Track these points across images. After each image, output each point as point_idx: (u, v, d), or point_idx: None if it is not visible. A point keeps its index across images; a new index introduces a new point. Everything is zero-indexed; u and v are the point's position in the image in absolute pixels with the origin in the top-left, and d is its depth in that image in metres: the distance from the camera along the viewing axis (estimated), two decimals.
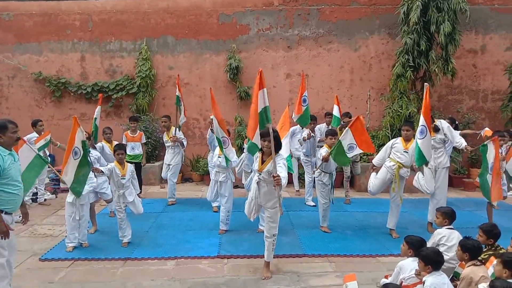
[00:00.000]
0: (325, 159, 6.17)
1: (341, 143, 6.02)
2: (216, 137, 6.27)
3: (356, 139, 5.99)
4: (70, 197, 5.72)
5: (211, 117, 7.17)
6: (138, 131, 8.65)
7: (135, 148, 8.33)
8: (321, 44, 10.61)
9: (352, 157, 6.44)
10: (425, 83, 6.09)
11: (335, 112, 8.21)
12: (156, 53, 10.71)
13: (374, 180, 6.46)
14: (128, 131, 8.51)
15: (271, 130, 4.56)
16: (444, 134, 6.48)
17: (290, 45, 10.63)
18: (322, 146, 6.77)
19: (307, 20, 10.56)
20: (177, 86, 8.41)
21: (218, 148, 6.53)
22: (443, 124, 6.54)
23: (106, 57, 10.75)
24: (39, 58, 10.71)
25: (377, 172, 6.47)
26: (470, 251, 3.79)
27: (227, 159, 6.32)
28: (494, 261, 3.75)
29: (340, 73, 10.67)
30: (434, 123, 6.51)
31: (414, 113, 9.38)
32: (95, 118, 7.56)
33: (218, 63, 10.67)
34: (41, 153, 6.01)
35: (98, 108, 7.49)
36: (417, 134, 5.82)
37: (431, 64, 9.44)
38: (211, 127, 7.27)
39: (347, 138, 6.01)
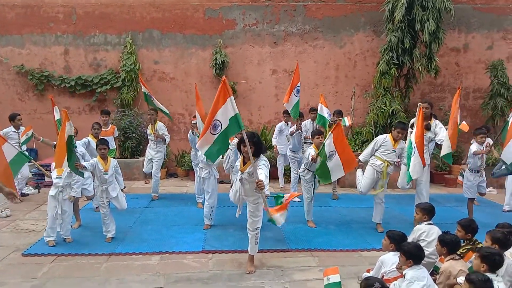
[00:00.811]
0: (314, 160, 6.18)
1: (324, 146, 5.93)
2: (198, 136, 6.21)
3: (337, 147, 5.83)
4: (53, 190, 5.69)
5: (193, 122, 7.20)
6: (110, 124, 8.48)
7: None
8: (307, 41, 10.66)
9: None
10: (419, 103, 6.11)
11: (322, 111, 8.00)
12: (141, 47, 10.62)
13: (362, 180, 6.51)
14: (101, 125, 8.04)
15: (245, 136, 4.56)
16: (435, 133, 6.58)
17: (276, 41, 10.66)
18: (310, 143, 6.79)
19: (293, 16, 10.59)
20: (141, 83, 8.19)
21: None
22: (438, 123, 6.65)
23: (90, 51, 10.62)
24: (22, 50, 10.53)
25: (363, 170, 6.55)
26: (448, 245, 3.89)
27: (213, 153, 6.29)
28: (472, 256, 3.85)
29: (325, 70, 10.75)
30: (429, 121, 6.61)
31: (398, 110, 9.51)
32: (58, 119, 6.90)
33: (204, 58, 10.64)
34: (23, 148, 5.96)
35: (56, 108, 6.89)
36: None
37: (415, 62, 9.56)
38: (192, 129, 7.26)
39: (329, 143, 5.85)
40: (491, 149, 7.00)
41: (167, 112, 8.53)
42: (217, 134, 4.59)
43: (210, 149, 4.68)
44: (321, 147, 6.04)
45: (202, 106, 6.12)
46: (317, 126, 8.10)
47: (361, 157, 6.60)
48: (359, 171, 6.63)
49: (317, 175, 6.39)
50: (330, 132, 5.89)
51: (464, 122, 7.96)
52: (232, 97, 4.53)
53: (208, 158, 5.26)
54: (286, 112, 8.39)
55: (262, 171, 4.61)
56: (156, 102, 8.26)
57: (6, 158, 5.54)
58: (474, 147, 6.75)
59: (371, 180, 6.39)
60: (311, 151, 6.38)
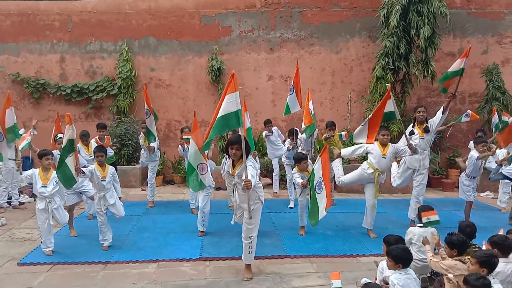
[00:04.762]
0: (305, 185, 5.98)
1: (314, 172, 5.47)
2: (189, 163, 5.59)
3: (324, 174, 5.43)
4: (40, 203, 5.59)
5: (184, 137, 7.13)
6: (105, 137, 7.92)
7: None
8: (303, 47, 10.69)
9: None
10: (387, 84, 6.23)
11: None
12: (137, 54, 10.63)
13: (350, 174, 6.56)
14: (97, 139, 7.74)
15: (242, 132, 4.57)
16: (430, 126, 6.59)
17: (272, 47, 10.68)
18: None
19: (289, 22, 10.62)
20: (145, 99, 7.56)
21: None
22: (435, 120, 6.58)
23: (86, 58, 10.62)
24: (17, 59, 10.52)
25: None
26: (457, 246, 3.89)
27: (201, 183, 5.62)
28: None
29: (321, 76, 10.77)
30: (426, 124, 6.60)
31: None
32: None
33: (200, 64, 10.65)
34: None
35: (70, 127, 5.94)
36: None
37: (411, 67, 9.60)
38: (182, 145, 7.29)
39: (318, 168, 5.42)
40: (494, 150, 7.05)
41: (155, 135, 7.76)
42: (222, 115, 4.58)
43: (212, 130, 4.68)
44: (311, 172, 5.65)
45: (201, 137, 5.49)
46: (312, 139, 8.07)
47: (343, 152, 6.69)
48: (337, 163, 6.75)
49: (308, 215, 5.74)
50: (318, 157, 5.52)
51: (469, 111, 8.12)
52: (238, 92, 4.60)
53: (203, 150, 5.20)
54: (267, 123, 8.46)
55: (249, 171, 4.57)
56: (151, 122, 7.57)
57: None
58: (475, 153, 6.57)
59: (357, 177, 6.46)
60: (296, 177, 6.22)
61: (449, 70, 6.44)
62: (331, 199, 5.56)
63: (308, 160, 6.49)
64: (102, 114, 10.68)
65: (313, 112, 7.77)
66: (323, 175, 5.40)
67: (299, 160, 6.35)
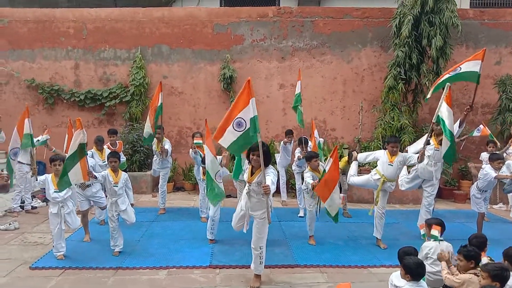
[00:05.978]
0: (315, 188, 5.89)
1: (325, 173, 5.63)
2: (208, 174, 5.47)
3: (329, 172, 5.53)
4: (53, 208, 5.64)
5: (195, 141, 7.49)
6: (117, 143, 8.10)
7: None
8: (314, 56, 10.71)
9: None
10: (447, 83, 6.20)
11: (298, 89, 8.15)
12: (150, 62, 10.74)
13: (359, 177, 6.80)
14: (109, 144, 7.89)
15: (259, 139, 4.58)
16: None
17: (284, 56, 10.72)
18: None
19: (301, 31, 10.67)
20: (158, 94, 7.98)
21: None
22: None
23: (100, 65, 10.75)
24: (33, 65, 10.69)
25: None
26: (474, 258, 3.83)
27: (221, 192, 5.63)
28: None
29: (333, 85, 10.77)
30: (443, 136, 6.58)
31: (406, 125, 9.49)
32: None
33: (212, 72, 10.73)
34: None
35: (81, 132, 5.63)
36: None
37: (422, 77, 9.57)
38: (194, 148, 7.46)
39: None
40: None
41: (151, 132, 7.99)
42: (242, 132, 4.62)
43: (233, 145, 4.68)
44: (322, 172, 5.81)
45: (213, 145, 5.52)
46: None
47: (359, 156, 6.85)
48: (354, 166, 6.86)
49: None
50: (329, 157, 5.64)
51: (481, 126, 8.06)
52: (254, 98, 4.61)
53: (232, 153, 5.20)
54: (289, 133, 8.63)
55: (270, 177, 4.64)
56: (150, 120, 7.91)
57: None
58: (491, 171, 6.46)
59: (365, 181, 6.64)
60: (307, 177, 6.17)
61: (461, 70, 6.34)
62: (327, 196, 5.59)
63: (320, 163, 6.48)
64: (114, 121, 10.78)
65: (318, 141, 7.84)
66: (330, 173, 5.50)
67: (309, 158, 6.33)
